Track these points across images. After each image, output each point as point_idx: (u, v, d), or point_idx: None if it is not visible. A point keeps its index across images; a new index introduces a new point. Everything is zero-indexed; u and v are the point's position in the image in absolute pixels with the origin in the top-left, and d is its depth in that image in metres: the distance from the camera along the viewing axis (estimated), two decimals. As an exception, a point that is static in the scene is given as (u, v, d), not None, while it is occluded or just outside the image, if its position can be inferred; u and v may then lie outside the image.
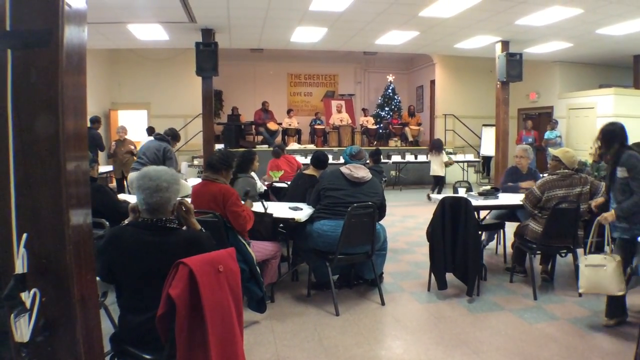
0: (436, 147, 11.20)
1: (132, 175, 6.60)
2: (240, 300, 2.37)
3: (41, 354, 1.64)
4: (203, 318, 2.14)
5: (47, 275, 1.62)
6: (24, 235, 1.54)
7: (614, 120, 4.18)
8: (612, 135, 3.98)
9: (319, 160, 5.57)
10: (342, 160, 5.00)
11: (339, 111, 15.03)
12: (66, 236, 1.60)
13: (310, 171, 5.59)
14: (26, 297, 1.55)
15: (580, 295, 4.51)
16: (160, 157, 6.56)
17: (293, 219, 4.46)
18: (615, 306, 4.00)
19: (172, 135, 7.07)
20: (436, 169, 11.08)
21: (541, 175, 6.03)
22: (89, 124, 9.32)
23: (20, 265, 1.54)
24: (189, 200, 3.03)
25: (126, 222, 2.62)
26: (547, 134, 12.51)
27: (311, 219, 4.60)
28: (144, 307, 2.36)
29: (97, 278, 2.28)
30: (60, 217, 1.60)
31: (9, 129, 1.55)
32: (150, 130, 10.17)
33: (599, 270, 3.83)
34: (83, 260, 1.71)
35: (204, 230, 2.63)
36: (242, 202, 4.29)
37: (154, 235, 2.42)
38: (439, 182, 11.14)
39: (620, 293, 3.80)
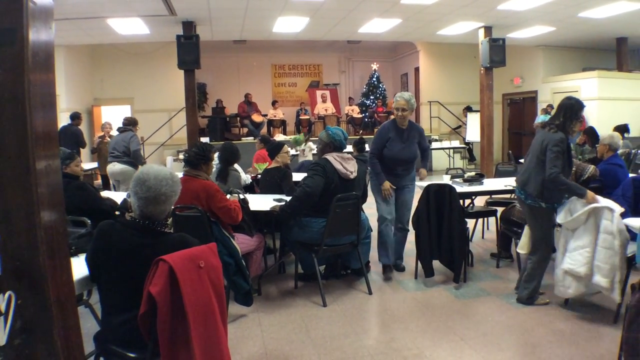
0: None
1: (112, 169, 7.34)
2: (223, 295, 2.35)
3: (19, 356, 1.62)
4: (185, 315, 2.13)
5: (22, 277, 1.59)
6: (-4, 238, 1.52)
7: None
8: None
9: (275, 148, 5.54)
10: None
11: (324, 101, 14.99)
12: (39, 237, 1.58)
13: (273, 164, 5.53)
14: (1, 300, 1.53)
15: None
16: (127, 146, 7.30)
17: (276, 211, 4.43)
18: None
19: (132, 123, 7.67)
20: None
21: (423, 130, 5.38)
22: (69, 121, 9.23)
23: (-7, 269, 1.52)
24: None
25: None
26: (542, 118, 12.57)
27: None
28: (127, 305, 2.32)
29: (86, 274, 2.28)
30: (32, 218, 1.57)
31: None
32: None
33: None
34: (58, 261, 1.68)
35: None
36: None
37: (143, 237, 2.35)
38: None
39: (519, 249, 4.36)
